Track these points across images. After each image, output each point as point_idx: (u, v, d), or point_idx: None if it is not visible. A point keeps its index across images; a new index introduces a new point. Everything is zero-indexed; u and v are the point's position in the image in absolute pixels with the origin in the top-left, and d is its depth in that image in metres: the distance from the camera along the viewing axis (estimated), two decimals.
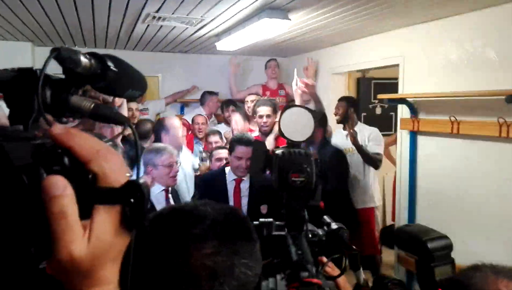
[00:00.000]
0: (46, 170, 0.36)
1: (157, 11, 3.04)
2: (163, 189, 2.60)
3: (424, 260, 0.98)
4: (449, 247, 1.00)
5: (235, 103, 4.94)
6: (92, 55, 0.44)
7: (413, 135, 3.49)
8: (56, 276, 0.37)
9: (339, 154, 3.50)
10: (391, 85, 4.65)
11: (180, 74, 5.27)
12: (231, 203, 2.71)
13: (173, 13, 3.09)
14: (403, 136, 3.65)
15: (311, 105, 3.72)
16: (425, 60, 3.41)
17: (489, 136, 2.78)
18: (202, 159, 3.68)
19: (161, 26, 3.56)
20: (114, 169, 0.39)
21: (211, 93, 5.00)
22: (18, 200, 0.34)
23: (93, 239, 0.37)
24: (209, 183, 2.86)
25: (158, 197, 2.56)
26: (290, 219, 0.85)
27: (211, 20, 3.33)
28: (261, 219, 0.89)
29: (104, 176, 0.38)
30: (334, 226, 0.88)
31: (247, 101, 4.31)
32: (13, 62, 3.95)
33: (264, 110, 3.49)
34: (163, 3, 2.82)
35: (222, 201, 2.77)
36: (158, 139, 3.39)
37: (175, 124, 3.42)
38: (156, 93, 5.29)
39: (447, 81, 3.19)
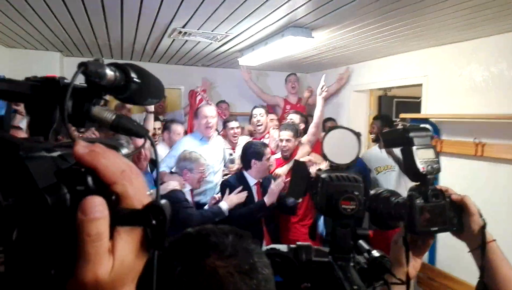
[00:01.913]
0: (69, 189, 0.35)
1: (183, 27, 3.11)
2: (190, 189, 3.13)
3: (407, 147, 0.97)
4: (429, 134, 0.99)
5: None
6: (116, 66, 0.44)
7: None
8: None
9: (365, 174, 3.46)
10: (413, 104, 4.60)
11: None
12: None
13: (198, 29, 3.15)
14: None
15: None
16: (449, 81, 3.37)
17: None
18: (231, 162, 3.76)
19: (186, 40, 3.62)
20: (137, 191, 0.38)
21: (220, 101, 5.15)
22: (40, 221, 0.34)
23: (116, 262, 0.36)
24: (235, 187, 3.04)
25: (187, 194, 3.03)
26: (337, 247, 0.82)
27: (235, 36, 3.38)
28: (298, 243, 0.86)
29: (127, 197, 0.37)
30: (376, 253, 0.83)
31: (256, 115, 4.28)
32: (42, 71, 4.07)
33: (285, 134, 3.50)
34: (189, 19, 2.88)
35: (249, 201, 2.95)
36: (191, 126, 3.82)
37: (207, 113, 3.58)
38: (178, 104, 5.37)
39: (471, 103, 3.14)
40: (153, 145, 0.50)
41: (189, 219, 2.66)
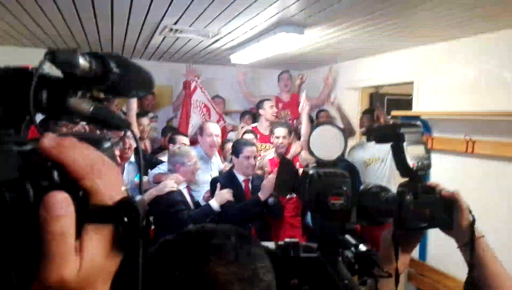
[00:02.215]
0: (33, 185, 0.33)
1: (174, 24, 3.08)
2: (186, 186, 3.16)
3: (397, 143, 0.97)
4: (420, 130, 1.00)
5: (252, 113, 4.98)
6: (93, 56, 0.41)
7: None
8: None
9: (354, 170, 3.48)
10: (404, 102, 4.63)
11: None
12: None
13: (190, 26, 3.13)
14: None
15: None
16: (440, 79, 3.39)
17: (505, 156, 2.75)
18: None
19: (178, 38, 3.60)
20: (108, 185, 0.36)
21: (215, 96, 5.15)
22: None
23: (84, 262, 0.34)
24: (225, 182, 3.10)
25: (184, 192, 3.07)
26: (325, 243, 0.82)
27: (227, 34, 3.36)
28: (286, 239, 0.86)
29: (97, 193, 0.35)
30: (363, 248, 0.83)
31: (265, 108, 4.38)
32: None
33: (281, 131, 3.57)
34: (180, 16, 2.86)
35: (240, 198, 2.96)
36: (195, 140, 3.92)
37: (213, 131, 3.59)
38: (169, 102, 5.34)
39: (462, 100, 3.17)
40: (134, 136, 0.48)
41: (181, 224, 2.67)
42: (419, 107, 3.62)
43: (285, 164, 0.97)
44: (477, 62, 3.06)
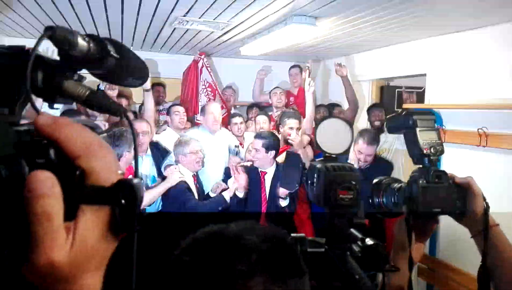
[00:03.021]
0: (28, 162, 0.32)
1: (184, 15, 3.06)
2: (192, 175, 3.15)
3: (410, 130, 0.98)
4: (433, 118, 1.01)
5: (259, 106, 4.96)
6: (91, 38, 0.41)
7: None
8: (33, 282, 0.33)
9: (391, 168, 3.42)
10: (416, 94, 4.57)
11: None
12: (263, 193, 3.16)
13: (200, 17, 3.11)
14: None
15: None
16: (454, 70, 3.34)
17: None
18: (236, 153, 3.78)
19: (187, 29, 3.58)
20: (105, 166, 0.35)
21: (226, 87, 5.16)
22: None
23: (77, 243, 0.33)
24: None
25: (190, 182, 3.07)
26: (334, 237, 0.81)
27: (237, 25, 3.33)
28: (293, 234, 0.85)
29: (93, 173, 0.34)
30: (369, 241, 0.82)
31: (276, 93, 4.41)
32: None
33: (293, 122, 3.49)
34: (191, 8, 2.84)
35: (255, 190, 3.00)
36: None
37: (213, 110, 3.65)
38: (179, 95, 5.33)
39: (476, 92, 3.11)
40: (130, 122, 0.46)
41: (192, 209, 2.69)
42: (431, 100, 3.56)
43: (291, 159, 0.96)
44: (491, 53, 3.00)
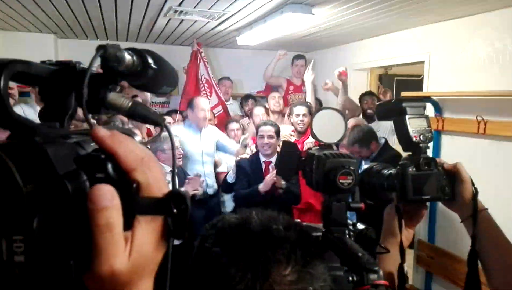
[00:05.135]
0: (89, 176, 0.34)
1: (179, 5, 3.03)
2: (170, 170, 3.05)
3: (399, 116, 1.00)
4: (422, 105, 1.03)
5: (255, 98, 4.94)
6: (134, 51, 0.43)
7: (437, 134, 3.41)
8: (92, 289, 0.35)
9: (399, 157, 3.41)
10: (414, 82, 4.55)
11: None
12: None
13: (195, 7, 3.08)
14: None
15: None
16: (452, 58, 3.31)
17: None
18: (245, 146, 3.79)
19: (182, 20, 3.55)
20: (157, 179, 0.37)
21: (224, 78, 5.12)
22: (60, 209, 0.32)
23: (134, 252, 0.35)
24: (246, 167, 3.23)
25: (168, 178, 2.97)
26: (332, 221, 0.84)
27: (233, 14, 3.30)
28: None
29: (148, 185, 0.36)
30: (360, 226, 0.86)
31: (274, 97, 4.36)
32: (36, 53, 3.99)
33: (301, 109, 3.62)
34: None
35: (259, 180, 3.03)
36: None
37: (204, 106, 3.60)
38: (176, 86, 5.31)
39: (474, 80, 3.09)
40: (169, 133, 0.48)
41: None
42: (429, 88, 3.54)
43: (287, 148, 0.98)
44: (489, 40, 2.97)
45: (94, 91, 0.41)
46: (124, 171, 0.36)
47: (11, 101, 3.23)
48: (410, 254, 3.93)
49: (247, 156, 3.38)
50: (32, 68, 0.39)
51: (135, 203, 0.35)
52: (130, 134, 0.41)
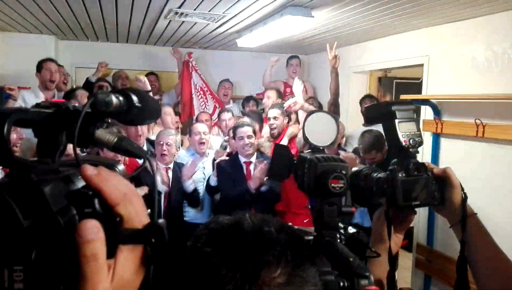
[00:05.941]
0: (78, 211, 0.39)
1: (179, 7, 3.04)
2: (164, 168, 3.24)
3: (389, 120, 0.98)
4: (412, 108, 1.00)
5: (256, 99, 4.95)
6: (120, 93, 0.47)
7: (436, 137, 3.41)
8: None
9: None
10: (413, 85, 4.56)
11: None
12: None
13: (195, 9, 3.09)
14: (425, 138, 3.58)
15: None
16: (451, 61, 3.32)
17: None
18: (225, 148, 3.79)
19: (183, 22, 3.56)
20: (138, 212, 0.42)
21: (224, 80, 5.13)
22: (54, 241, 0.37)
23: (116, 278, 0.39)
24: (227, 168, 3.23)
25: (162, 173, 3.17)
26: (324, 225, 0.83)
27: (233, 17, 3.31)
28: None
29: (130, 218, 0.41)
30: (351, 229, 0.87)
31: (269, 96, 4.30)
32: (37, 54, 3.96)
33: (273, 112, 3.60)
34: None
35: (241, 181, 3.03)
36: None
37: (200, 129, 3.57)
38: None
39: (473, 83, 3.10)
40: (151, 166, 0.53)
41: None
42: (428, 91, 3.55)
43: (279, 150, 0.98)
44: (488, 44, 2.98)
45: (83, 128, 0.45)
46: (109, 206, 0.40)
47: (12, 101, 3.26)
48: (408, 257, 3.93)
49: (226, 158, 3.36)
50: (29, 115, 0.44)
51: (118, 234, 0.40)
52: (113, 164, 0.49)
